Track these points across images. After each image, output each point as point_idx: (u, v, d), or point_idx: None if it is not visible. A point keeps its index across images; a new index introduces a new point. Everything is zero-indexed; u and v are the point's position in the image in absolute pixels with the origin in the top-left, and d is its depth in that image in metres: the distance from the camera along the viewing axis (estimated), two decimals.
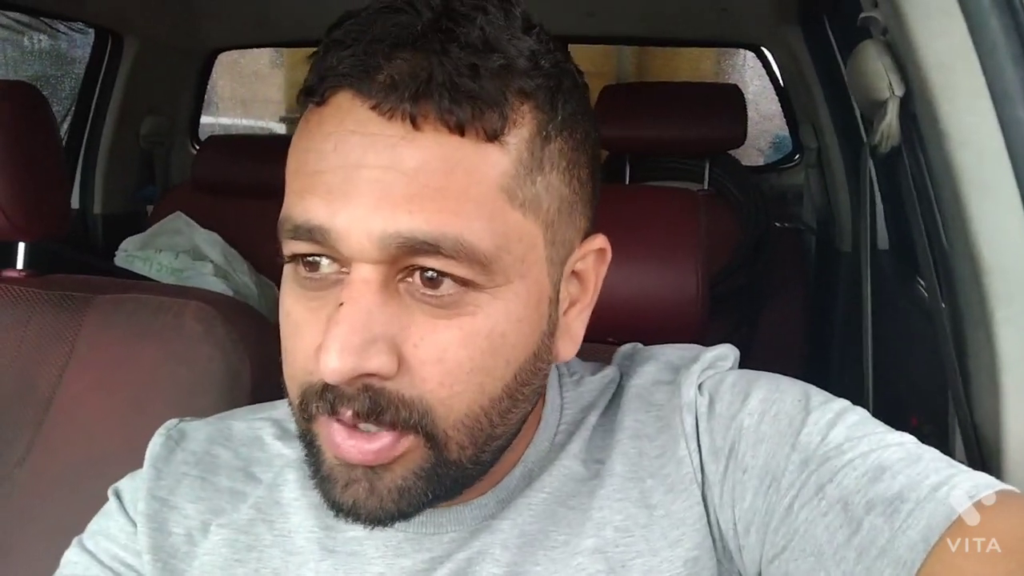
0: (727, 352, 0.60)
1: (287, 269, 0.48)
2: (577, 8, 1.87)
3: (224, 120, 3.80)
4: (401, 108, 0.42)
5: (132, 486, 0.59)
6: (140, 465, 0.60)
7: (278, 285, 1.75)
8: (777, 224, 1.98)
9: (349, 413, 0.44)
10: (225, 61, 2.59)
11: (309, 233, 0.44)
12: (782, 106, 2.25)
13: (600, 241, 0.53)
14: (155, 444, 0.60)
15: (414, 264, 0.44)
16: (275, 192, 1.89)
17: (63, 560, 0.57)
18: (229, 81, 3.82)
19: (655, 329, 0.99)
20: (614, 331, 0.86)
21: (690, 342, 0.64)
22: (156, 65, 2.14)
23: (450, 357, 0.44)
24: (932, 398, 1.04)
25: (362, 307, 0.43)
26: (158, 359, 0.92)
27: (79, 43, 2.25)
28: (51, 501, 0.89)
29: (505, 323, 0.46)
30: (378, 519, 0.47)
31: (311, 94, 0.46)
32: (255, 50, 3.76)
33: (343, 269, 0.45)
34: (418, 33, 0.43)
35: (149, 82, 2.14)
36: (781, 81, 2.20)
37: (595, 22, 1.93)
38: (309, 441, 0.49)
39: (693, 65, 3.22)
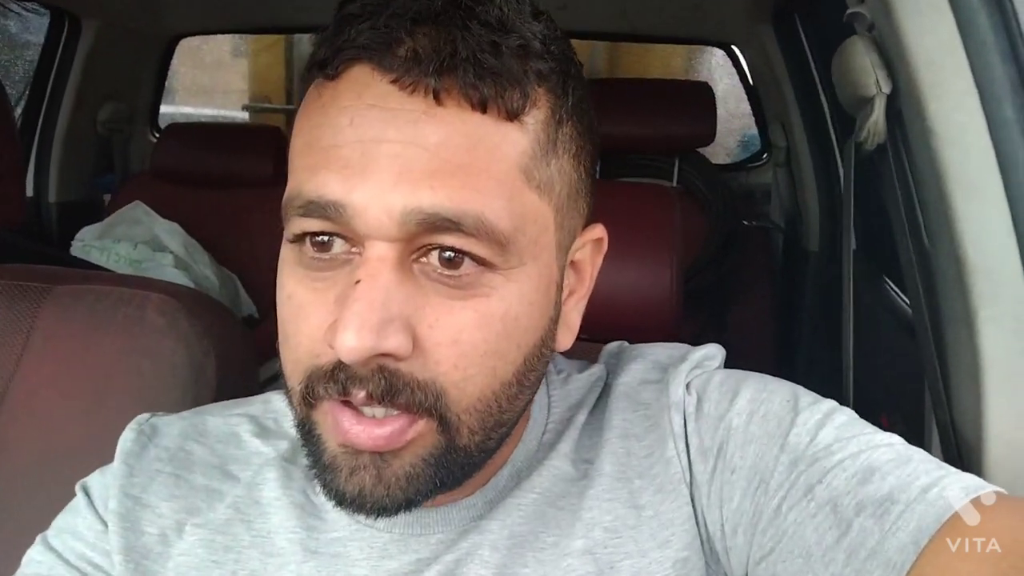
0: (714, 351, 0.59)
1: (288, 250, 0.47)
2: (549, 2, 1.86)
3: (186, 109, 3.71)
4: (424, 82, 0.42)
5: (102, 482, 0.56)
6: (102, 461, 0.57)
7: (239, 276, 1.71)
8: (745, 222, 1.99)
9: (362, 395, 0.43)
10: (186, 48, 2.52)
11: (322, 210, 0.43)
12: (751, 105, 2.26)
13: (599, 231, 0.53)
14: (126, 439, 0.57)
15: (431, 243, 0.43)
16: (237, 181, 1.86)
17: (26, 558, 0.54)
18: (191, 68, 3.74)
19: (629, 326, 0.98)
20: (587, 328, 0.85)
21: (664, 339, 0.63)
22: (115, 50, 2.08)
23: (465, 339, 0.44)
24: (903, 397, 1.04)
25: (380, 285, 0.42)
26: (119, 352, 0.89)
27: (32, 26, 2.17)
28: (8, 500, 0.85)
29: (518, 306, 0.45)
30: (384, 508, 0.46)
31: (324, 67, 0.45)
32: (217, 38, 3.70)
33: (353, 249, 0.44)
34: (438, 9, 0.43)
35: (108, 67, 2.08)
36: (751, 80, 2.20)
37: (567, 16, 1.91)
38: (308, 430, 0.47)
39: (664, 62, 3.23)
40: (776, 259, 2.08)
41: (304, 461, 0.54)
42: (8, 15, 2.17)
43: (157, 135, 2.36)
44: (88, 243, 1.70)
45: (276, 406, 0.60)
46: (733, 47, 2.21)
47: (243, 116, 4.09)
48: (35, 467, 0.85)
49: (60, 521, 0.56)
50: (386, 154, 0.42)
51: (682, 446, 0.53)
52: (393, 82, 0.42)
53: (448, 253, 0.43)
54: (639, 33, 2.18)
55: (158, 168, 2.07)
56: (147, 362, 0.88)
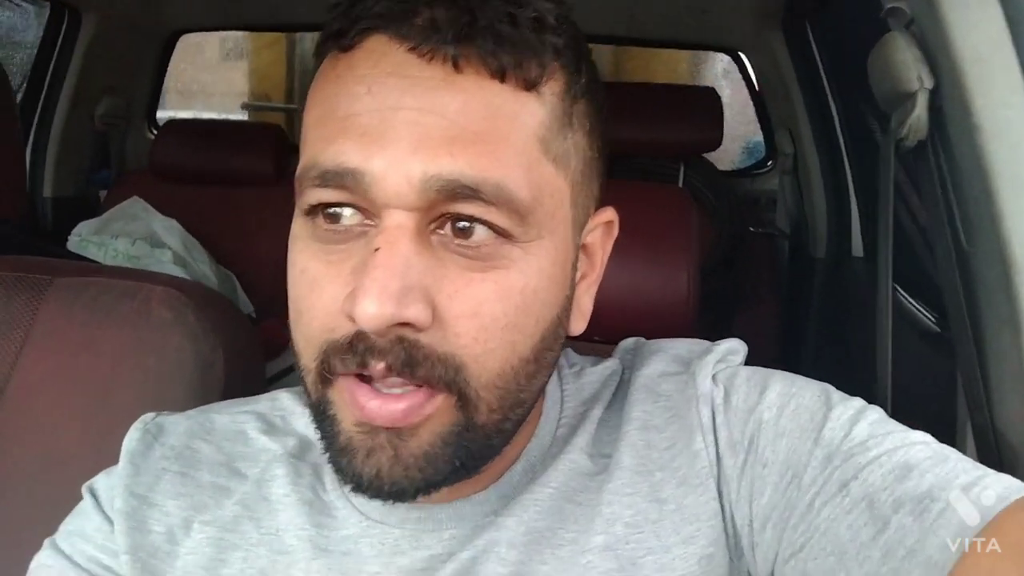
0: (738, 347, 0.58)
1: (301, 225, 0.46)
2: None
3: (184, 114, 3.65)
4: (443, 50, 0.41)
5: (108, 483, 0.55)
6: (106, 460, 0.56)
7: (236, 275, 1.67)
8: (752, 229, 1.98)
9: (381, 366, 0.42)
10: (183, 45, 2.48)
11: (340, 178, 0.42)
12: (757, 111, 2.25)
13: (610, 214, 0.53)
14: (131, 439, 0.56)
15: (450, 212, 0.42)
16: (236, 180, 1.83)
17: (34, 563, 0.53)
18: (189, 66, 3.69)
19: (643, 328, 0.96)
20: (601, 329, 0.83)
21: None
22: (115, 44, 2.05)
23: (485, 311, 0.43)
24: (924, 401, 1.02)
25: (399, 252, 0.41)
26: (123, 347, 0.86)
27: (31, 22, 2.15)
28: (8, 500, 0.82)
29: (537, 279, 0.45)
30: (402, 490, 0.44)
31: (340, 37, 0.44)
32: (215, 40, 3.66)
33: (368, 220, 0.43)
34: None
35: (107, 62, 2.05)
36: (757, 86, 2.19)
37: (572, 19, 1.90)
38: (322, 411, 0.46)
39: (670, 68, 3.23)
40: (781, 265, 2.07)
41: (313, 459, 0.55)
42: (8, 7, 2.14)
43: (155, 132, 2.33)
44: (85, 238, 1.66)
45: (283, 403, 0.59)
46: (740, 53, 2.20)
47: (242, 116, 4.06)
48: (37, 466, 0.82)
49: (68, 524, 0.55)
50: (405, 121, 0.41)
51: (711, 439, 0.52)
52: (411, 50, 0.42)
53: (462, 223, 0.43)
54: (645, 38, 2.17)
55: (156, 165, 2.04)
56: (153, 358, 0.85)
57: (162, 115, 2.46)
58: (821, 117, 1.76)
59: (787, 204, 2.01)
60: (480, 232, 0.43)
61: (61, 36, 1.98)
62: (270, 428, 0.57)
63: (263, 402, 0.60)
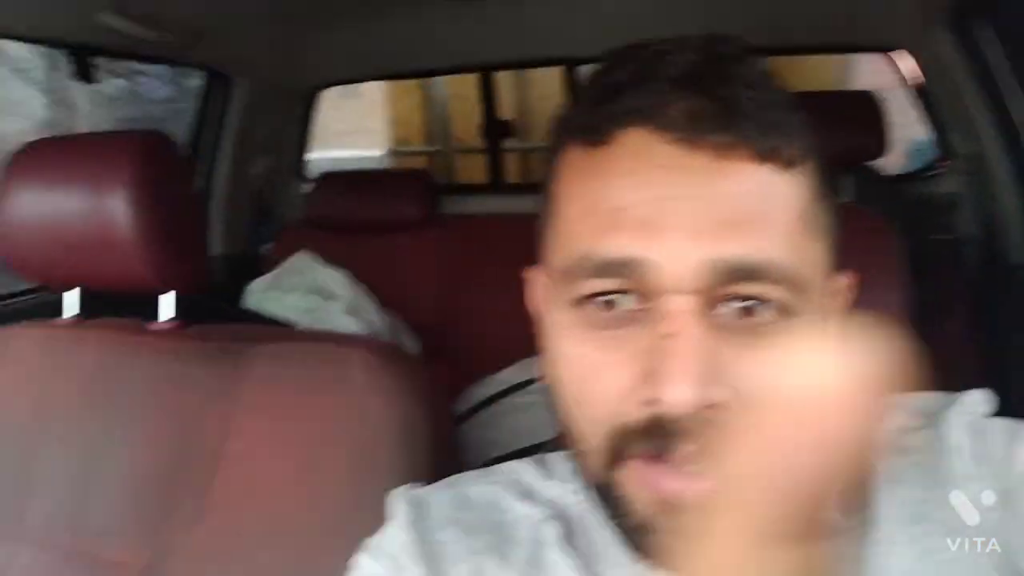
0: (982, 397, 0.54)
1: (566, 313, 0.47)
2: (694, 20, 1.79)
3: (335, 154, 3.82)
4: (709, 139, 0.43)
5: (394, 551, 0.56)
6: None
7: (407, 321, 1.66)
8: (933, 237, 1.85)
9: (688, 450, 0.42)
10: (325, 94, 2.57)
11: (618, 269, 0.44)
12: (923, 110, 2.09)
13: (847, 279, 0.52)
14: (401, 511, 0.58)
15: (730, 292, 0.44)
16: (389, 226, 1.85)
17: None
18: (331, 112, 3.86)
19: None
20: None
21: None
22: (265, 104, 2.15)
23: None
24: None
25: (692, 336, 0.42)
26: (327, 412, 0.88)
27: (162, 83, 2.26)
28: (234, 565, 0.84)
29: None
30: None
31: (591, 132, 0.47)
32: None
33: (644, 305, 0.44)
34: (701, 71, 0.45)
35: (259, 122, 2.15)
36: (914, 85, 2.04)
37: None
38: (608, 492, 0.47)
39: (814, 75, 3.09)
40: (969, 275, 1.91)
41: (573, 527, 0.55)
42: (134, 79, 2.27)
43: (306, 184, 2.42)
44: (260, 295, 1.73)
45: (522, 475, 0.59)
46: (895, 51, 2.06)
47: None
48: (258, 531, 0.85)
49: None
50: (678, 210, 0.43)
51: (965, 494, 0.49)
52: (674, 142, 0.44)
53: (750, 302, 0.44)
54: (796, 44, 2.07)
55: (314, 216, 2.11)
56: (357, 422, 0.87)
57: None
58: (1004, 114, 1.61)
59: (973, 208, 1.85)
60: (762, 310, 0.44)
61: (216, 101, 2.08)
62: (523, 495, 0.58)
63: (501, 473, 0.61)
